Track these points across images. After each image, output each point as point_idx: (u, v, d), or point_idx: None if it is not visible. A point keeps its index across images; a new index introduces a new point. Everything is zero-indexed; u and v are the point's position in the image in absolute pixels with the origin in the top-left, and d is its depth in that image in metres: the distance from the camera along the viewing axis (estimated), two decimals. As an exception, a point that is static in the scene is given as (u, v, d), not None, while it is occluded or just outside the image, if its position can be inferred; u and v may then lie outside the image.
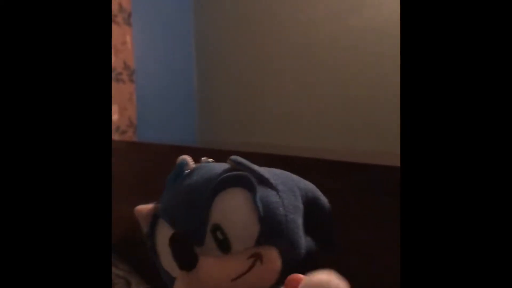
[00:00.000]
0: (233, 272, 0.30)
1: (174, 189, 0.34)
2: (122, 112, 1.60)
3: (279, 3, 1.51)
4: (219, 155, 0.37)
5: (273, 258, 0.31)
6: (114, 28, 1.56)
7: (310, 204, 0.34)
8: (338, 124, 1.35)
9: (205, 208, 0.31)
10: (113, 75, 1.57)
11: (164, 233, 0.32)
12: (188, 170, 0.34)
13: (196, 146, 0.90)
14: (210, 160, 0.36)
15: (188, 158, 0.35)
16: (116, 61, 1.58)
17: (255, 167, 0.33)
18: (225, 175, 0.32)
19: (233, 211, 0.31)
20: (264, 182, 0.32)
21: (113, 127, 1.57)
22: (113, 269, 0.90)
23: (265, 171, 0.33)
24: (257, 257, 0.30)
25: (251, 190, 0.31)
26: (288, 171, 0.36)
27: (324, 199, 0.36)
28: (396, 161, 0.36)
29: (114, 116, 1.58)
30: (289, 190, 0.33)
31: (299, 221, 0.33)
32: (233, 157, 0.33)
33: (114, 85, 1.57)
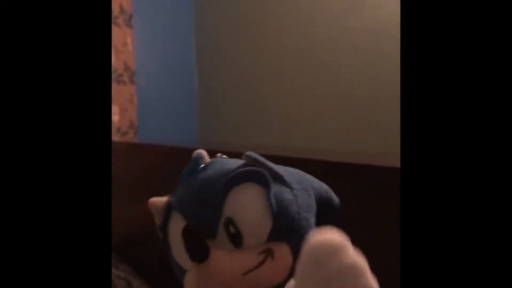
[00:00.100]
0: (244, 266, 0.30)
1: (189, 182, 0.34)
2: (123, 114, 1.61)
3: (279, 4, 1.51)
4: (220, 156, 0.37)
5: (285, 254, 0.31)
6: (115, 29, 1.56)
7: (323, 204, 0.34)
8: (338, 125, 1.35)
9: (218, 201, 0.31)
10: (114, 76, 1.57)
11: (177, 225, 0.32)
12: (203, 165, 0.34)
13: (197, 147, 0.90)
14: (225, 156, 0.37)
15: (203, 152, 0.34)
16: (117, 63, 1.58)
17: (270, 164, 0.33)
18: (240, 170, 0.32)
19: (247, 205, 0.31)
20: (279, 179, 0.32)
21: (114, 128, 1.58)
22: (114, 270, 0.90)
23: (280, 168, 0.33)
24: (268, 253, 0.30)
25: (265, 186, 0.31)
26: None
27: (336, 200, 0.36)
28: (396, 162, 0.36)
29: (115, 118, 1.58)
30: (303, 188, 0.33)
31: (312, 220, 0.33)
32: (248, 152, 0.33)
33: (115, 86, 1.57)
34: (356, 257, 0.25)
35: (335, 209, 0.35)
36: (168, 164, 0.83)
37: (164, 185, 0.37)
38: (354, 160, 0.50)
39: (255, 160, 0.33)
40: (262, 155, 0.36)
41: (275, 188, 0.31)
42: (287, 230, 0.31)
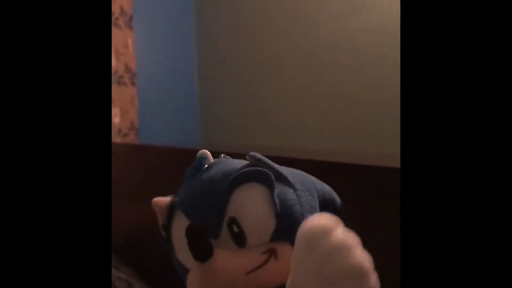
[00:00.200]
0: (248, 266, 0.30)
1: (192, 182, 0.34)
2: (124, 115, 1.61)
3: (279, 5, 1.51)
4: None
5: (288, 254, 0.31)
6: (115, 31, 1.56)
7: (326, 205, 0.34)
8: (338, 126, 1.35)
9: (222, 201, 0.31)
10: (114, 78, 1.57)
11: (180, 224, 0.32)
12: (207, 165, 0.34)
13: (198, 149, 0.90)
14: (228, 157, 0.37)
15: (207, 153, 0.35)
16: (117, 64, 1.58)
17: (274, 164, 0.33)
18: (244, 170, 0.32)
19: (250, 205, 0.31)
20: (283, 179, 0.32)
21: (115, 130, 1.58)
22: (115, 272, 0.90)
23: (283, 169, 0.34)
24: (272, 253, 0.30)
25: (269, 186, 0.31)
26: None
27: (339, 201, 0.36)
28: (396, 163, 0.36)
29: (116, 119, 1.58)
30: (306, 189, 0.33)
31: None
32: (252, 153, 0.33)
33: (116, 88, 1.57)
34: (343, 237, 0.25)
35: (338, 211, 0.35)
36: (169, 165, 0.83)
37: (165, 186, 0.38)
38: (354, 161, 0.50)
39: (259, 160, 0.33)
40: (263, 155, 0.37)
41: (278, 188, 0.32)
42: (291, 230, 0.31)
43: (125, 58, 1.60)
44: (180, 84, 1.83)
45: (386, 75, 1.20)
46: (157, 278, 0.90)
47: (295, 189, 0.32)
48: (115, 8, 1.56)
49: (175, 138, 1.73)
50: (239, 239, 0.31)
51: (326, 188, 0.36)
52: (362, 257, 0.25)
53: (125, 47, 1.60)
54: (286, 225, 0.31)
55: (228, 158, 0.37)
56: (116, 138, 1.56)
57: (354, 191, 0.44)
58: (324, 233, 0.25)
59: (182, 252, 0.33)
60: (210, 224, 0.31)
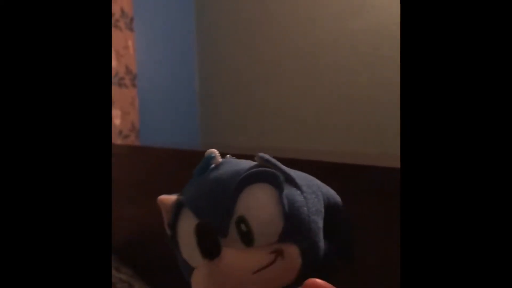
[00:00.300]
0: (255, 265, 0.30)
1: (200, 181, 0.34)
2: (125, 117, 1.61)
3: (279, 6, 1.51)
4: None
5: (294, 255, 0.31)
6: (116, 33, 1.56)
7: (330, 209, 0.35)
8: (339, 126, 1.35)
9: (231, 200, 0.31)
10: (115, 79, 1.57)
11: (187, 222, 0.33)
12: (214, 165, 0.35)
13: (199, 150, 0.90)
14: (233, 157, 0.37)
15: (216, 152, 0.35)
16: (118, 66, 1.58)
17: (282, 166, 0.33)
18: (253, 170, 0.32)
19: (259, 205, 0.31)
20: (290, 181, 0.33)
21: (116, 131, 1.58)
22: (116, 273, 0.90)
23: (291, 171, 0.34)
24: (279, 253, 0.31)
25: (278, 187, 0.32)
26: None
27: (342, 206, 0.36)
28: (396, 163, 0.36)
29: (117, 121, 1.58)
30: (312, 192, 0.34)
31: (320, 223, 0.33)
32: (260, 154, 0.34)
33: (116, 89, 1.57)
34: None
35: (343, 216, 0.36)
36: (170, 166, 0.84)
37: (166, 187, 0.38)
38: (354, 161, 0.50)
39: (267, 161, 0.33)
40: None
41: (287, 189, 0.32)
42: (297, 231, 0.31)
43: (125, 59, 1.60)
44: (180, 85, 1.83)
45: (386, 76, 1.20)
46: (158, 279, 0.90)
47: (302, 191, 0.33)
48: (115, 10, 1.56)
49: (176, 139, 1.73)
50: (247, 238, 0.31)
51: (331, 192, 0.36)
52: None
53: (126, 48, 1.60)
54: (294, 226, 0.31)
55: (233, 158, 0.37)
56: (117, 140, 1.56)
57: (354, 191, 0.44)
58: None
59: (188, 250, 0.33)
60: (218, 223, 0.31)
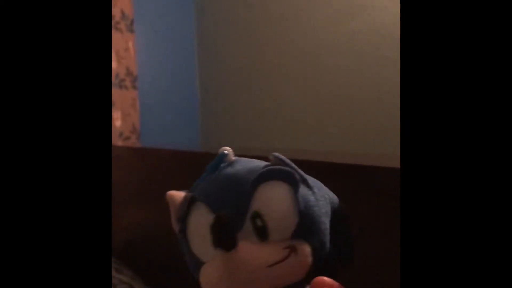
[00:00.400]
0: (270, 259, 0.31)
1: (214, 177, 0.35)
2: (125, 118, 1.61)
3: (280, 8, 1.52)
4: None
5: (307, 253, 0.32)
6: (116, 35, 1.57)
7: (333, 214, 0.35)
8: (340, 127, 1.35)
9: (247, 195, 0.32)
10: (116, 81, 1.58)
11: (201, 216, 0.33)
12: (226, 163, 0.35)
13: (200, 151, 0.90)
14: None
15: (229, 149, 0.36)
16: (119, 68, 1.59)
17: (295, 166, 0.34)
18: (270, 167, 0.33)
19: (275, 201, 0.32)
20: (304, 181, 0.33)
21: (117, 133, 1.58)
22: (117, 275, 0.90)
23: (302, 172, 0.35)
24: (292, 249, 0.31)
25: (294, 185, 0.32)
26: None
27: (345, 212, 0.36)
28: (396, 163, 0.37)
29: (117, 122, 1.58)
30: (322, 195, 0.35)
31: (328, 226, 0.34)
32: (275, 153, 0.34)
33: (117, 91, 1.57)
34: None
35: (345, 221, 0.36)
36: (171, 168, 0.84)
37: (167, 189, 0.38)
38: (354, 161, 0.50)
39: (282, 161, 0.34)
40: (263, 158, 0.37)
41: (300, 189, 0.33)
42: (310, 230, 0.32)
43: (126, 61, 1.60)
44: (181, 87, 1.84)
45: (386, 77, 1.20)
46: (158, 280, 0.90)
47: (313, 192, 0.33)
48: (116, 12, 1.56)
49: (177, 141, 1.73)
50: (262, 233, 0.31)
51: (335, 197, 0.36)
52: None
53: (126, 50, 1.60)
54: (307, 224, 0.32)
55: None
56: (117, 141, 1.56)
57: (354, 191, 0.44)
58: None
59: (200, 244, 0.33)
60: (234, 217, 0.31)
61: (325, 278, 0.30)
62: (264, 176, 0.32)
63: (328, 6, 1.36)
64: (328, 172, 0.41)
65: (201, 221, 0.33)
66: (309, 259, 0.32)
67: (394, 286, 0.30)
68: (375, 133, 1.25)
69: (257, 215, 0.31)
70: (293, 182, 0.32)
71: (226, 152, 0.35)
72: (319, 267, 0.32)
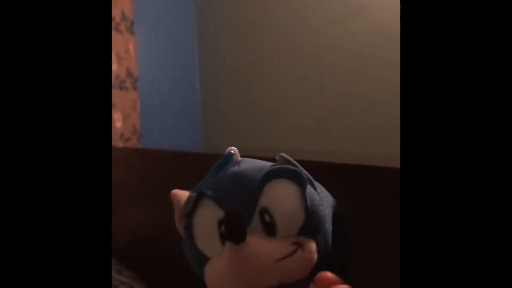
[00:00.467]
0: (277, 254, 0.31)
1: (221, 175, 0.35)
2: (126, 120, 1.61)
3: (280, 9, 1.52)
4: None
5: (313, 249, 0.33)
6: (117, 36, 1.57)
7: (333, 216, 0.36)
8: (340, 127, 1.35)
9: (255, 191, 0.33)
10: (116, 83, 1.58)
11: (208, 212, 0.34)
12: (232, 162, 0.36)
13: (200, 152, 0.90)
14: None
15: (236, 150, 0.36)
16: (119, 69, 1.59)
17: (301, 167, 0.35)
18: (278, 166, 0.34)
19: (282, 198, 0.33)
20: (310, 181, 0.34)
21: (117, 134, 1.58)
22: (118, 276, 0.90)
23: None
24: (299, 245, 0.32)
25: (301, 183, 0.33)
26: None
27: (344, 215, 0.37)
28: (396, 163, 0.37)
29: (118, 124, 1.59)
30: (325, 196, 0.35)
31: (330, 225, 0.35)
32: (282, 154, 0.35)
33: (117, 92, 1.57)
34: None
35: (344, 225, 0.37)
36: (171, 169, 0.84)
37: (167, 190, 0.38)
38: (354, 161, 0.50)
39: (288, 161, 0.35)
40: (263, 158, 0.37)
41: (307, 188, 0.33)
42: (316, 228, 0.33)
43: (126, 62, 1.61)
44: (181, 88, 1.84)
45: (386, 77, 1.20)
46: (159, 281, 0.91)
47: (318, 192, 0.34)
48: (116, 13, 1.56)
49: (177, 142, 1.73)
50: (270, 228, 0.32)
51: (333, 200, 0.37)
52: None
53: (127, 51, 1.60)
54: (313, 222, 0.33)
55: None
56: (118, 143, 1.56)
57: (354, 191, 0.44)
58: None
59: (206, 239, 0.34)
60: (243, 211, 0.32)
61: (328, 273, 0.31)
62: (273, 174, 0.33)
63: (328, 6, 1.36)
64: (328, 172, 0.41)
65: (208, 217, 0.34)
66: (315, 255, 0.32)
67: (394, 286, 0.30)
68: (375, 133, 1.25)
69: (265, 211, 0.32)
70: (300, 181, 0.33)
71: (232, 152, 0.36)
72: (322, 266, 0.32)
